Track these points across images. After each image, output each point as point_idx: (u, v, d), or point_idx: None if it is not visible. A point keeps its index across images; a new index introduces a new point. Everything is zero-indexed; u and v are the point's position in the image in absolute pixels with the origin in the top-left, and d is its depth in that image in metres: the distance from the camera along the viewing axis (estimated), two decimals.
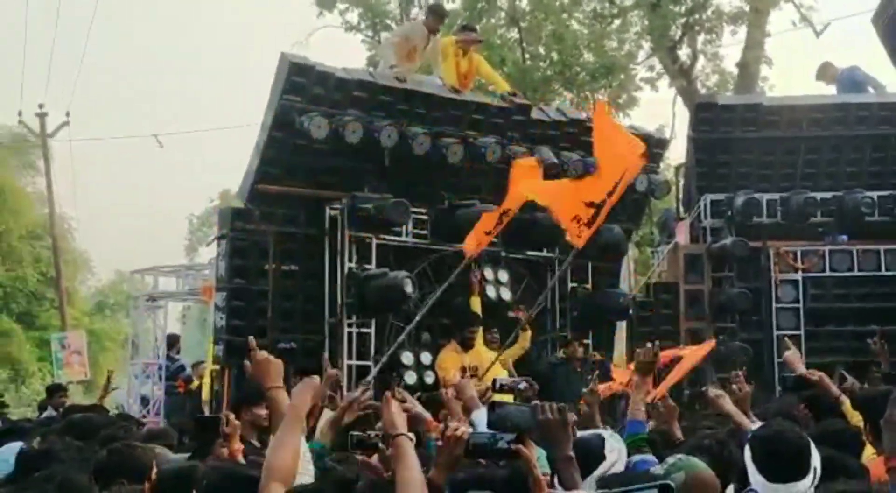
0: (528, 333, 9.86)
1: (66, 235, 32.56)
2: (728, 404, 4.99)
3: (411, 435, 3.09)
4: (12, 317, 29.77)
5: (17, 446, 4.91)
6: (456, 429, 3.10)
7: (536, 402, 2.91)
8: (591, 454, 3.55)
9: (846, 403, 5.14)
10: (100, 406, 9.08)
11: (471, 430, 3.23)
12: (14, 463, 4.72)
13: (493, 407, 3.13)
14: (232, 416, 4.23)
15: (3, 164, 32.02)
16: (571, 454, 2.86)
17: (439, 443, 3.22)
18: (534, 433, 2.92)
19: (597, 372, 7.56)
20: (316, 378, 3.50)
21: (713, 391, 5.22)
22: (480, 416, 4.19)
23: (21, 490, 4.22)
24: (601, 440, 3.75)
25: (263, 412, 4.88)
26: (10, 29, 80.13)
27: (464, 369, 8.99)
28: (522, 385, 5.52)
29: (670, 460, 3.31)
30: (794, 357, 6.45)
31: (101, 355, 31.26)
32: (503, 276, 10.10)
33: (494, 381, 5.56)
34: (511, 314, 9.96)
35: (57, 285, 26.66)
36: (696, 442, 4.04)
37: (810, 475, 3.29)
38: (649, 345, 4.65)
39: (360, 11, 21.84)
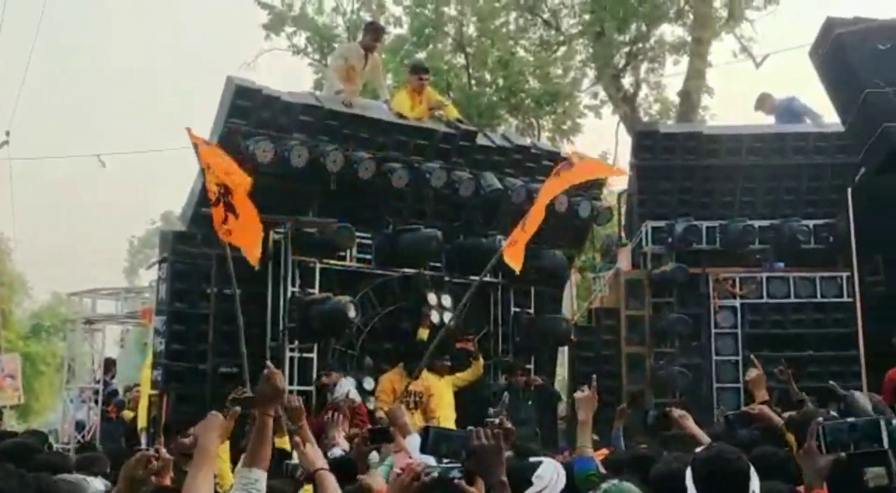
0: (481, 362, 9.91)
1: (2, 256, 31.92)
2: (692, 425, 5.02)
3: (325, 466, 3.15)
4: None
5: None
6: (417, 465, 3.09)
7: (471, 428, 2.91)
8: (519, 480, 3.54)
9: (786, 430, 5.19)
10: (37, 432, 8.88)
11: (423, 463, 3.20)
12: None
13: (427, 432, 3.11)
14: (163, 450, 4.19)
15: None
16: (504, 479, 2.87)
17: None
18: (469, 459, 2.92)
19: None
20: (219, 415, 3.52)
21: (677, 412, 5.24)
22: (414, 442, 4.18)
23: None
24: (534, 466, 3.75)
25: (188, 439, 4.94)
26: None
27: (408, 393, 9.01)
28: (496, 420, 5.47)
29: (604, 486, 3.33)
30: (757, 381, 6.36)
31: (35, 378, 30.59)
32: (447, 300, 10.11)
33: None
34: (459, 346, 9.94)
35: None
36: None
37: None
38: (586, 388, 4.69)
39: (307, 35, 21.85)
